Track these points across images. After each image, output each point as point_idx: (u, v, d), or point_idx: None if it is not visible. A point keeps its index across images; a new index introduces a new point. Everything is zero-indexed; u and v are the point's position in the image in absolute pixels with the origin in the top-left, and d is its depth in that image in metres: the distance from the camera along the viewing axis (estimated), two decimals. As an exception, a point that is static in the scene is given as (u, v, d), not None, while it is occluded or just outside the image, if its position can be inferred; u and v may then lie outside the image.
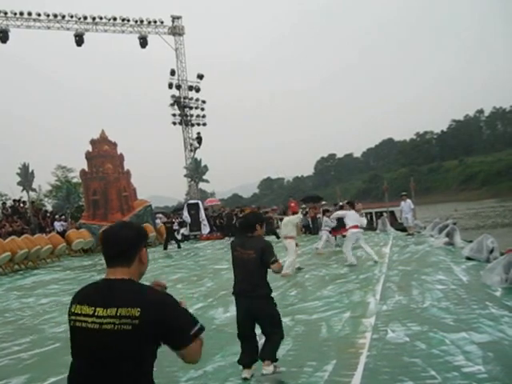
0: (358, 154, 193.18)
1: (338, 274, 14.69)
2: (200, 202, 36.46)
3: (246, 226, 6.64)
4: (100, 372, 2.77)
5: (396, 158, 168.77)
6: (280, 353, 7.23)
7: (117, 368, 2.75)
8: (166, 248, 28.33)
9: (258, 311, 6.34)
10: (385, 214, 34.00)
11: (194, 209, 35.57)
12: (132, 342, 2.74)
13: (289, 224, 15.82)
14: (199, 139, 44.21)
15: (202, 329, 2.94)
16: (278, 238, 28.85)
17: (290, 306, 10.63)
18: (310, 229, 31.82)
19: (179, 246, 28.84)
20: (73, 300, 2.96)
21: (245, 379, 6.26)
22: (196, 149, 44.15)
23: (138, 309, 2.73)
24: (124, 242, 2.96)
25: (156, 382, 6.18)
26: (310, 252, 21.53)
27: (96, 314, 2.78)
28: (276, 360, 6.43)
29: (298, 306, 10.56)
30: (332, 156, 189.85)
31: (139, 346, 2.76)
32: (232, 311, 10.28)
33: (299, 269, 15.94)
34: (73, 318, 2.87)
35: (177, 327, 2.85)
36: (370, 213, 37.34)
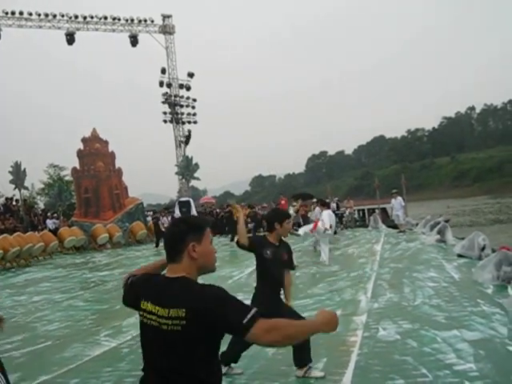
0: (349, 151, 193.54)
1: (328, 271, 14.68)
2: (191, 200, 36.36)
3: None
4: (165, 368, 2.81)
5: (387, 155, 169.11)
6: (270, 351, 7.25)
7: (176, 370, 2.78)
8: (157, 245, 28.29)
9: None
10: (376, 211, 34.04)
11: (185, 206, 35.42)
12: (184, 342, 2.76)
13: None
14: (187, 137, 44.22)
15: (255, 315, 2.71)
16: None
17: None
18: (300, 227, 31.85)
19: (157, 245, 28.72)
20: (141, 293, 2.97)
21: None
22: (184, 145, 44.12)
23: (184, 309, 2.74)
24: (170, 238, 3.01)
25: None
26: (300, 250, 21.49)
27: (157, 313, 2.81)
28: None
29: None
30: (323, 153, 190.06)
31: (191, 345, 2.76)
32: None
33: None
34: (141, 311, 2.92)
35: (225, 321, 2.73)
36: (362, 210, 37.45)
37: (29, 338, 9.49)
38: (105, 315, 11.19)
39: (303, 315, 9.23)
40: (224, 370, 6.27)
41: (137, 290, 3.02)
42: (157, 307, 2.82)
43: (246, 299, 10.98)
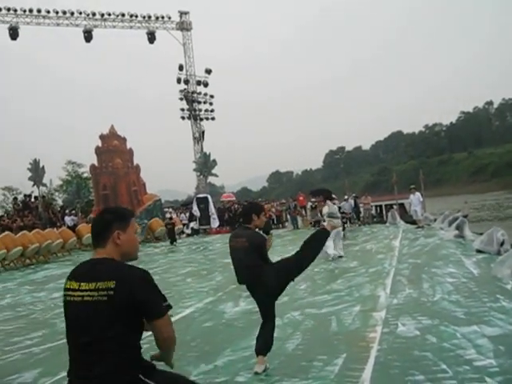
0: (366, 146, 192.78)
1: (347, 267, 14.66)
2: (209, 196, 36.48)
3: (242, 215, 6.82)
4: (87, 342, 3.01)
5: (405, 151, 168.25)
6: (289, 347, 7.26)
7: (100, 338, 2.99)
8: (172, 243, 28.46)
9: None
10: (394, 207, 33.88)
11: (203, 203, 35.61)
12: (107, 312, 2.98)
13: None
14: (202, 134, 44.30)
15: (170, 306, 3.22)
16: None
17: (299, 299, 10.62)
18: (319, 222, 31.77)
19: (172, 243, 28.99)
20: (67, 278, 3.22)
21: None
22: (201, 142, 44.18)
23: (114, 281, 3.00)
24: (97, 225, 3.30)
25: (167, 376, 6.20)
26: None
27: (80, 288, 3.06)
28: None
29: (307, 299, 10.54)
30: (341, 149, 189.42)
31: (115, 315, 2.99)
32: (242, 305, 10.31)
33: None
34: (65, 293, 3.17)
35: (150, 299, 3.06)
36: (380, 205, 37.23)
37: (48, 334, 9.55)
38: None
39: (322, 311, 9.31)
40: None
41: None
42: (82, 283, 3.06)
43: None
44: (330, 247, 16.56)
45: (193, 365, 6.75)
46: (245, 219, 6.67)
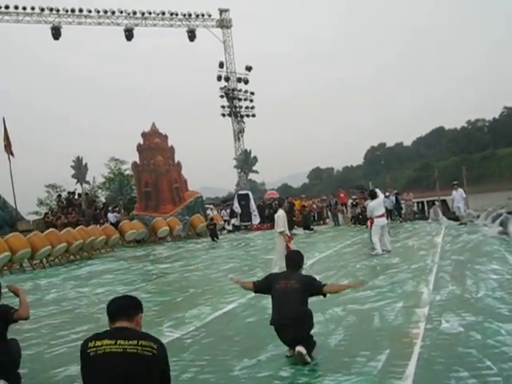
0: (408, 142, 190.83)
1: (389, 263, 14.59)
2: (250, 193, 36.57)
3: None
4: None
5: (447, 147, 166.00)
6: (332, 342, 7.28)
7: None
8: (214, 239, 28.63)
9: None
10: (436, 203, 33.58)
11: (244, 199, 35.75)
12: (151, 367, 3.58)
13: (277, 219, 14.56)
14: (241, 131, 44.38)
15: None
16: (311, 230, 28.86)
17: (341, 295, 10.57)
18: (359, 219, 31.60)
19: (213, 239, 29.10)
20: (86, 342, 3.79)
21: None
22: (242, 139, 44.30)
23: (155, 345, 3.71)
24: (131, 304, 4.14)
25: (210, 370, 6.33)
26: (360, 242, 21.40)
27: (118, 343, 3.59)
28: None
29: (349, 295, 10.49)
30: (382, 145, 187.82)
31: (155, 371, 3.64)
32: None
33: None
34: (92, 349, 3.61)
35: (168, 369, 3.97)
36: (422, 202, 36.92)
37: (94, 328, 9.68)
38: (167, 307, 11.35)
39: (365, 307, 9.29)
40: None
41: (83, 343, 3.88)
42: (119, 340, 3.62)
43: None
44: (377, 243, 16.58)
45: (236, 359, 6.81)
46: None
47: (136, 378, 3.53)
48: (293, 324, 6.47)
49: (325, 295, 6.93)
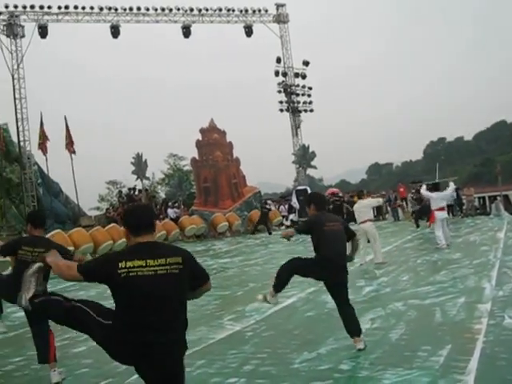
0: (469, 137, 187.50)
1: (450, 259, 14.41)
2: (308, 188, 36.47)
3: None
4: (159, 311, 3.68)
5: (509, 141, 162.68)
6: (393, 337, 7.25)
7: (172, 306, 3.76)
8: (253, 233, 28.89)
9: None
10: (498, 198, 32.99)
11: (302, 195, 35.65)
12: (181, 282, 3.78)
13: (364, 207, 14.97)
14: (298, 126, 44.29)
15: (208, 276, 4.20)
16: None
17: (402, 290, 10.56)
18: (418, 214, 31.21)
19: (270, 233, 29.19)
20: (114, 261, 3.71)
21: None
22: (300, 134, 44.19)
23: (180, 258, 3.81)
24: (150, 216, 4.06)
25: (270, 363, 6.37)
26: (421, 237, 21.19)
27: (148, 264, 3.66)
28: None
29: (410, 290, 10.46)
30: (442, 140, 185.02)
31: (185, 284, 3.83)
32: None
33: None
34: (123, 270, 3.63)
35: (200, 270, 4.06)
36: (483, 197, 36.32)
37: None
38: (227, 300, 11.47)
39: (426, 302, 9.22)
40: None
41: (109, 260, 3.79)
42: (148, 260, 3.67)
43: (367, 286, 11.03)
44: (440, 237, 16.50)
45: (296, 353, 6.85)
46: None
47: (169, 297, 3.71)
48: (344, 264, 7.04)
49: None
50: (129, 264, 3.63)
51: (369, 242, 14.72)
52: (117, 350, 3.86)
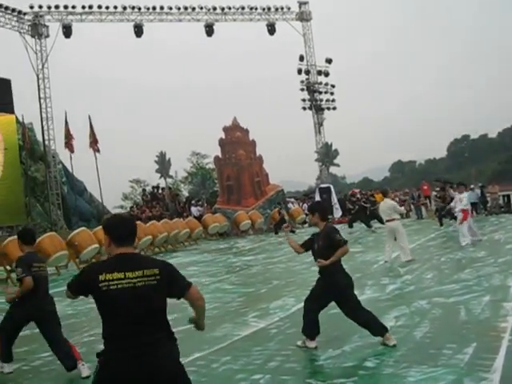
0: (493, 134, 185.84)
1: (474, 257, 14.33)
2: (332, 186, 36.42)
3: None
4: (140, 322, 3.69)
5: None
6: (417, 335, 7.25)
7: (152, 317, 3.76)
8: (276, 232, 29.00)
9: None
10: (524, 196, 32.69)
11: (325, 193, 35.62)
12: (159, 292, 3.79)
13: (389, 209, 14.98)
14: (320, 124, 44.18)
15: (190, 283, 4.02)
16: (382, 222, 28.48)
17: (426, 288, 10.54)
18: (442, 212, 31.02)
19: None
20: (94, 273, 3.80)
21: None
22: (323, 132, 44.10)
23: (157, 270, 3.81)
24: (132, 227, 4.10)
25: (295, 359, 6.40)
26: (445, 235, 21.09)
27: (126, 276, 3.73)
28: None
29: (434, 288, 10.44)
30: (466, 137, 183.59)
31: (163, 295, 3.83)
32: (368, 293, 10.35)
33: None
34: (104, 284, 3.70)
35: (178, 279, 3.95)
36: (508, 195, 35.99)
37: (180, 317, 9.85)
38: (251, 298, 11.52)
39: (450, 300, 9.19)
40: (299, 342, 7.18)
41: (90, 274, 3.85)
42: (127, 273, 3.73)
43: (391, 284, 11.02)
44: (466, 234, 16.67)
45: (321, 349, 6.89)
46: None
47: (149, 307, 3.75)
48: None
49: None
50: (108, 277, 3.73)
51: (395, 239, 14.71)
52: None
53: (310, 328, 7.07)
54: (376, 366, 6.15)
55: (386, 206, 14.86)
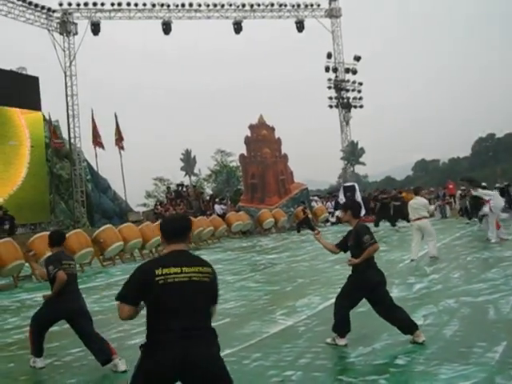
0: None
1: (501, 256, 14.26)
2: (356, 185, 36.32)
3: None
4: (190, 315, 3.83)
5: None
6: (447, 333, 7.27)
7: (202, 311, 3.92)
8: (299, 231, 29.11)
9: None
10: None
11: (349, 191, 35.53)
12: (210, 291, 4.00)
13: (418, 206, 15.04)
14: (348, 121, 44.06)
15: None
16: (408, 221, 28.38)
17: (453, 287, 10.53)
18: (467, 212, 30.85)
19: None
20: (151, 269, 3.91)
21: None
22: (349, 130, 44.02)
23: (210, 269, 4.04)
24: (187, 225, 4.25)
25: (325, 356, 6.44)
26: (470, 235, 20.98)
27: (183, 271, 3.87)
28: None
29: (461, 288, 10.42)
30: (491, 136, 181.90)
31: (212, 293, 4.04)
32: (395, 292, 10.34)
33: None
34: (161, 277, 3.82)
35: (217, 288, 4.16)
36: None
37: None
38: (277, 296, 11.57)
39: (478, 299, 9.17)
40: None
41: (146, 271, 3.95)
42: (183, 267, 3.88)
43: (418, 283, 11.01)
44: (493, 231, 17.19)
45: (351, 347, 6.93)
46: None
47: (200, 302, 3.90)
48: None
49: None
50: (165, 271, 3.85)
51: (422, 238, 14.74)
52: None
53: (341, 325, 7.09)
54: (407, 364, 6.18)
55: (418, 203, 14.83)
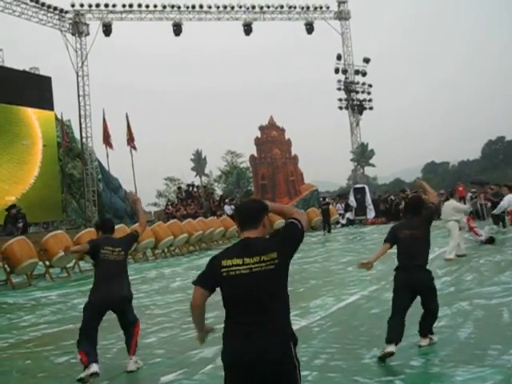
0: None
1: (514, 259, 14.31)
2: (366, 187, 36.30)
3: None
4: (253, 309, 3.63)
5: None
6: (461, 335, 7.29)
7: (266, 303, 3.64)
8: (329, 231, 29.02)
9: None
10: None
11: (360, 193, 35.54)
12: (275, 278, 3.69)
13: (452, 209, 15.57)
14: (357, 123, 44.04)
15: None
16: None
17: (466, 290, 10.54)
18: (478, 214, 30.79)
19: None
20: (219, 260, 3.80)
21: (392, 353, 6.41)
22: (359, 132, 43.99)
23: (275, 253, 3.70)
24: (253, 210, 3.97)
25: (340, 357, 6.48)
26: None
27: (244, 262, 3.69)
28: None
29: (475, 290, 10.43)
30: (501, 139, 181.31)
31: (281, 279, 3.74)
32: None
33: (463, 255, 15.32)
34: (225, 269, 3.71)
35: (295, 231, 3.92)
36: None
37: (221, 315, 9.84)
38: (290, 296, 11.34)
39: (492, 302, 9.18)
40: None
41: (216, 261, 3.83)
42: (245, 258, 3.70)
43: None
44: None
45: (365, 348, 6.96)
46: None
47: (264, 294, 3.65)
48: (421, 270, 7.00)
49: None
50: (229, 262, 3.74)
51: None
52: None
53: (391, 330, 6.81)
54: (422, 365, 6.21)
55: (452, 206, 15.21)
